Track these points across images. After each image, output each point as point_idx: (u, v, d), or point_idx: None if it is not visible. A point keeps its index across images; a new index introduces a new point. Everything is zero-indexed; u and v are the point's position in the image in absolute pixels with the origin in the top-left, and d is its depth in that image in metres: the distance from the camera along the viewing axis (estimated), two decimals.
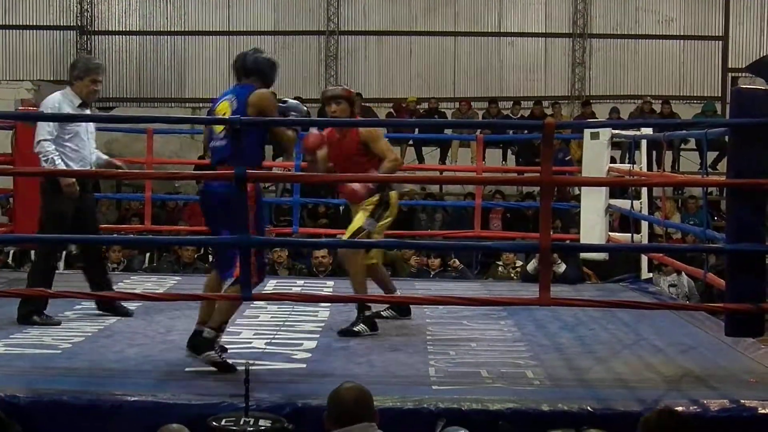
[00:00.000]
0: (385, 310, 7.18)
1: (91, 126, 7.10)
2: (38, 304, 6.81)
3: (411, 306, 7.31)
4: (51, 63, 21.49)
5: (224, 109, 5.67)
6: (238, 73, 5.80)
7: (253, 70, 5.75)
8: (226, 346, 5.95)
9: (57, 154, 6.82)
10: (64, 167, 6.87)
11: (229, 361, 5.52)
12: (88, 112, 7.23)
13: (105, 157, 7.23)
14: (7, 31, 21.35)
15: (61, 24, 21.49)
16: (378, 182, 6.63)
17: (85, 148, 6.97)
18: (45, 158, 6.81)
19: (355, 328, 6.61)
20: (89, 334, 6.54)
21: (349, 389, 3.72)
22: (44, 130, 6.83)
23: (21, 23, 21.34)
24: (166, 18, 21.48)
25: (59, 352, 5.98)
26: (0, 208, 15.37)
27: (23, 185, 8.80)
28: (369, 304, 6.68)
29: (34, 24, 21.41)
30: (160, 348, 6.04)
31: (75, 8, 21.39)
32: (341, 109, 6.71)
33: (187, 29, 21.46)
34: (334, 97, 6.72)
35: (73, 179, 6.90)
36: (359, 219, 6.74)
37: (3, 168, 8.49)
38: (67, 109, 6.87)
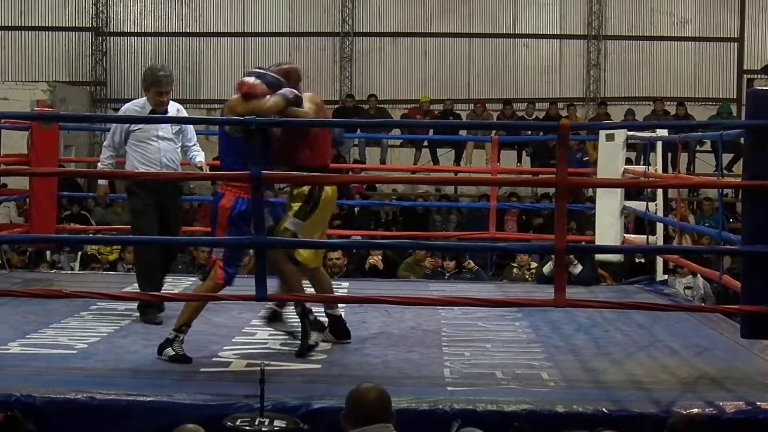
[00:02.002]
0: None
1: (165, 131, 7.22)
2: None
3: (426, 307, 7.28)
4: (66, 64, 21.54)
5: None
6: None
7: None
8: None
9: (107, 162, 7.27)
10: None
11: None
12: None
13: (197, 161, 7.39)
14: (23, 32, 21.40)
15: (76, 25, 21.53)
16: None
17: (156, 152, 7.18)
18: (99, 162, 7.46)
19: (309, 342, 6.07)
20: (105, 334, 6.57)
21: (370, 389, 3.71)
22: (108, 137, 7.32)
23: (36, 24, 21.38)
24: (181, 19, 21.50)
25: (75, 352, 6.01)
26: (16, 209, 15.42)
27: (39, 186, 8.85)
28: (309, 307, 6.16)
29: (50, 25, 21.44)
30: None
31: (90, 10, 21.43)
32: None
33: (202, 31, 21.47)
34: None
35: (105, 182, 7.61)
36: (284, 219, 6.14)
37: (19, 169, 8.52)
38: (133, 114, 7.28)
